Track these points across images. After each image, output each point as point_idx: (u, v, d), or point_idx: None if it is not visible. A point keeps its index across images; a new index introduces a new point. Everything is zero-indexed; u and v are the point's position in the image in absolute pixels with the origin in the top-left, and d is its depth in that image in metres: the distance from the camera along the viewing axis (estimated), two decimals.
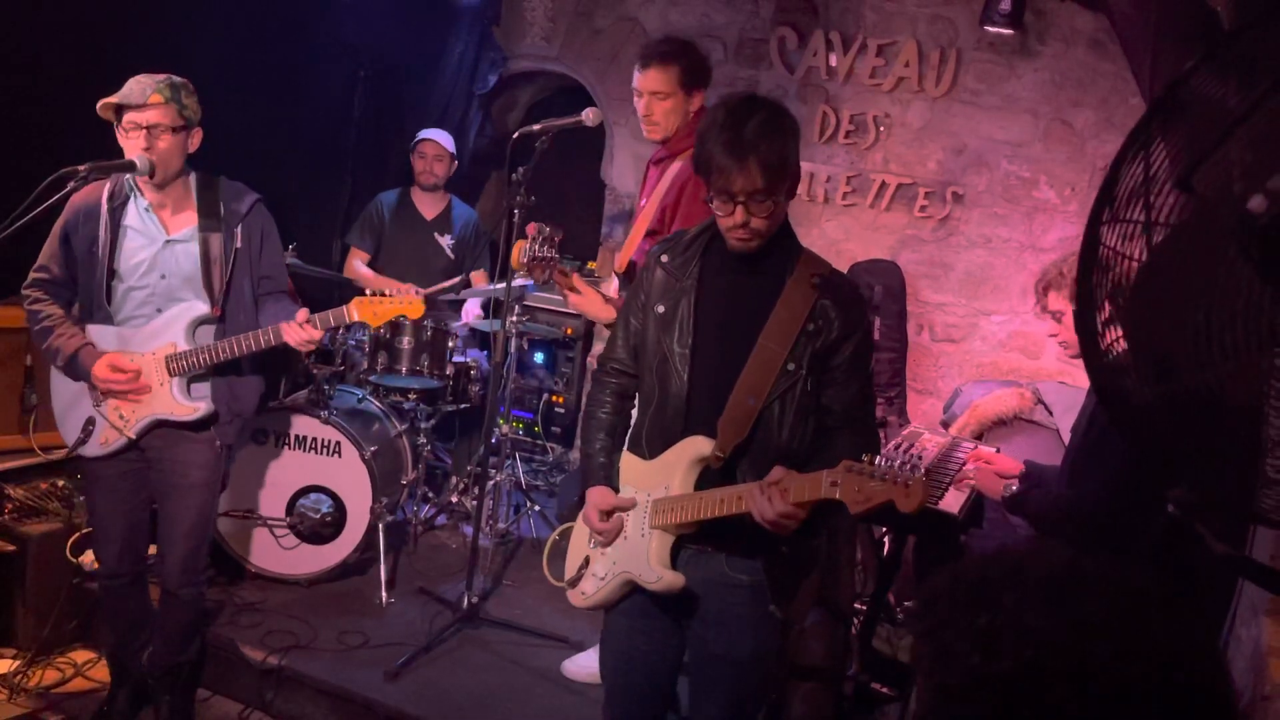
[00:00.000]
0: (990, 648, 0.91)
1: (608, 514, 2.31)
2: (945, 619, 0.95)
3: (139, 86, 2.79)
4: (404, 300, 3.03)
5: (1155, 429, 1.18)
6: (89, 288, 2.95)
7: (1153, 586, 0.95)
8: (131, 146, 2.81)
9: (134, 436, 2.97)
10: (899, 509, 1.86)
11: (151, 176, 2.84)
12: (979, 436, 4.00)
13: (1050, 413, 4.06)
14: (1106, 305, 1.20)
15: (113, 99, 2.79)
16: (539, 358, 5.67)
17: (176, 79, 2.85)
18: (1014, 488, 3.01)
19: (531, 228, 3.01)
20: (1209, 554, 1.43)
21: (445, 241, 5.00)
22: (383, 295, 3.02)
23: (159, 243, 2.94)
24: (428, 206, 5.02)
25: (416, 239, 4.98)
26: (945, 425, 4.21)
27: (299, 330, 2.89)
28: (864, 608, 3.72)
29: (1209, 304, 1.05)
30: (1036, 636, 0.90)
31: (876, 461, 1.91)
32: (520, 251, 3.00)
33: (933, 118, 4.74)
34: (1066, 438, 3.78)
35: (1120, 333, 1.20)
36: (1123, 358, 1.20)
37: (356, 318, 2.98)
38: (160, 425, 2.99)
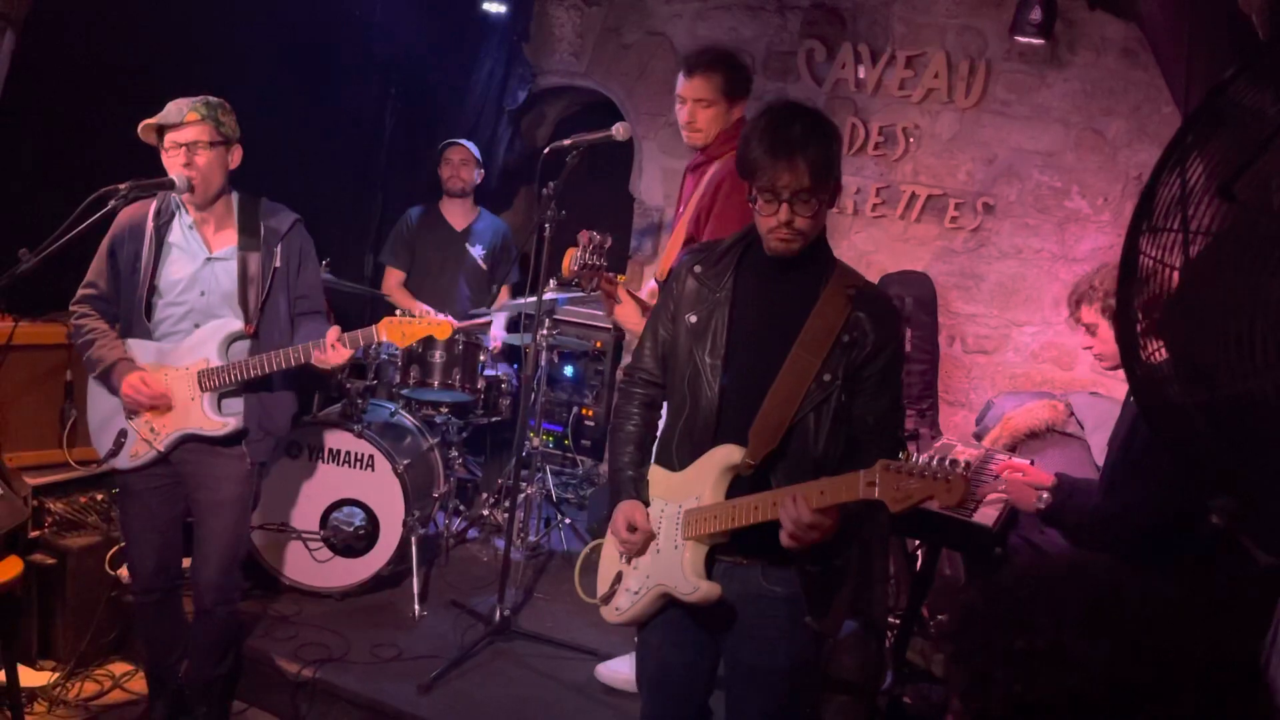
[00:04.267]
0: (1031, 674, 0.89)
1: (634, 528, 2.31)
2: (981, 642, 0.94)
3: (176, 107, 2.88)
4: (432, 321, 3.06)
5: (1198, 438, 1.16)
6: (130, 303, 3.01)
7: (1192, 605, 0.93)
8: (173, 165, 2.88)
9: (163, 450, 3.01)
10: (940, 505, 1.85)
11: (191, 193, 2.89)
12: (1012, 449, 3.96)
13: (1082, 426, 4.02)
14: (1146, 316, 1.19)
15: (153, 120, 2.87)
16: (569, 371, 5.68)
17: (213, 99, 2.93)
18: (1047, 499, 2.99)
19: (584, 235, 3.06)
20: (1252, 564, 1.40)
21: (476, 252, 5.04)
22: (411, 316, 3.05)
23: (200, 260, 3.00)
24: (457, 218, 5.06)
25: (448, 251, 5.01)
26: (978, 438, 4.18)
27: (328, 352, 2.93)
28: (898, 621, 3.69)
29: (1252, 312, 1.03)
30: (1078, 663, 0.88)
31: (915, 459, 1.89)
32: (571, 259, 3.05)
33: (962, 129, 4.72)
34: (1097, 452, 3.74)
35: (1161, 343, 1.18)
36: (1164, 368, 1.19)
37: (385, 338, 3.02)
38: (190, 440, 3.02)
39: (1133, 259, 1.15)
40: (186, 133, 2.86)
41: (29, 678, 3.42)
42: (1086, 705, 0.87)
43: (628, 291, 3.25)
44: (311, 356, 2.94)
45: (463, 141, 4.98)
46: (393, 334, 3.03)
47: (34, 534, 3.54)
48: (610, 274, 3.15)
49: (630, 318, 3.18)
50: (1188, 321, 1.13)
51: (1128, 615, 0.90)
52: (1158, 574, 0.96)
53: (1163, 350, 1.17)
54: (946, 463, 1.85)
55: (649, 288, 3.52)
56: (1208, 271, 1.11)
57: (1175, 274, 1.14)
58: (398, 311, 3.08)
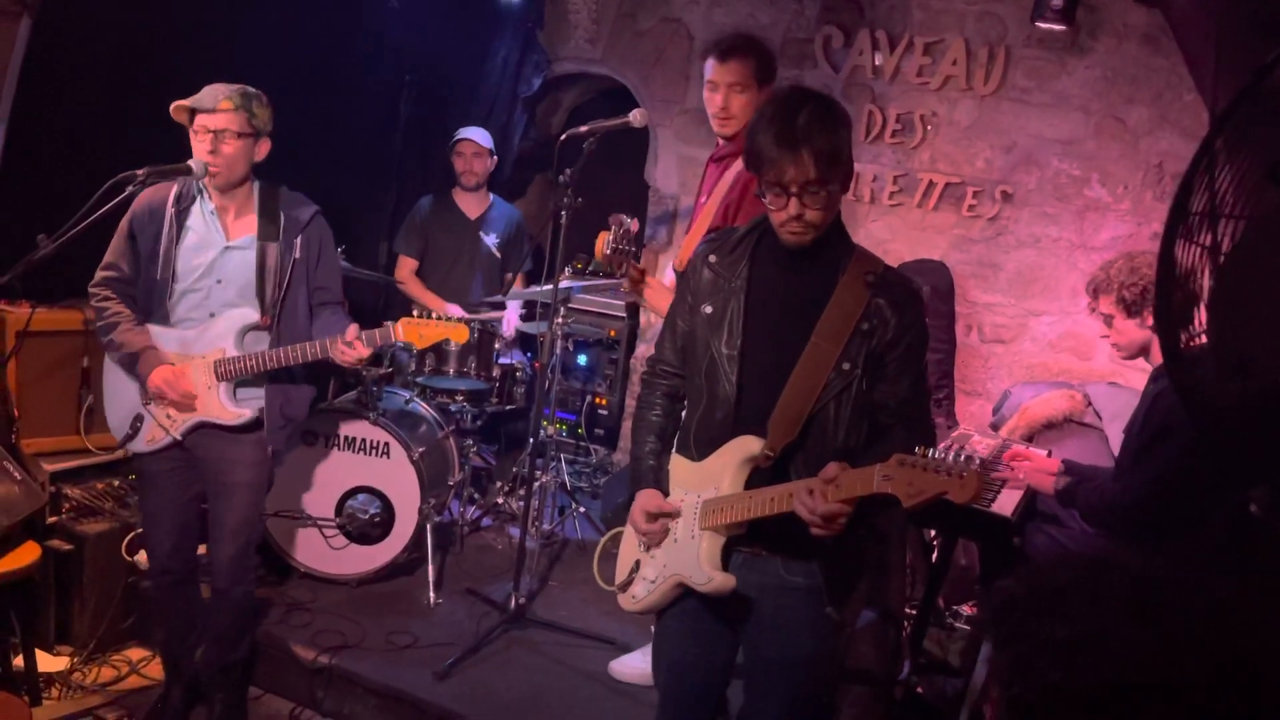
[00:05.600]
0: (1072, 663, 0.88)
1: (654, 517, 2.30)
2: (1021, 629, 0.92)
3: (211, 93, 2.88)
4: (450, 325, 3.03)
5: (1236, 428, 1.14)
6: (148, 286, 3.01)
7: (1233, 594, 0.92)
8: (199, 148, 2.88)
9: (179, 436, 3.02)
10: (953, 500, 1.82)
11: (212, 179, 2.89)
12: (1029, 439, 3.94)
13: (1099, 416, 3.99)
14: (1184, 305, 1.17)
15: (186, 102, 2.87)
16: (582, 360, 5.68)
17: (250, 89, 2.93)
18: (1065, 480, 3.02)
19: (615, 219, 3.03)
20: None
21: (490, 240, 5.03)
22: (429, 316, 3.04)
23: (218, 247, 3.00)
24: (471, 206, 5.04)
25: (461, 239, 5.01)
26: (994, 427, 4.15)
27: (346, 349, 2.91)
28: (914, 611, 3.68)
29: None
30: (1122, 652, 0.87)
31: (929, 453, 1.87)
32: (604, 242, 3.02)
33: (981, 116, 4.68)
34: (1114, 443, 3.72)
35: (1199, 332, 1.16)
36: (1201, 357, 1.17)
37: (402, 338, 2.99)
38: (205, 427, 3.03)
39: (1171, 250, 1.13)
40: (218, 119, 2.86)
41: (46, 663, 3.44)
42: (1125, 696, 0.85)
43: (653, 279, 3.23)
44: (328, 353, 2.93)
45: (473, 135, 4.94)
46: (410, 334, 2.99)
47: (51, 520, 3.55)
48: (635, 262, 3.14)
49: (662, 301, 3.17)
50: (1227, 310, 1.11)
51: (1169, 606, 0.89)
52: (1194, 564, 0.94)
53: (1201, 339, 1.15)
54: (963, 458, 1.82)
55: (669, 280, 3.51)
56: (1249, 258, 1.09)
57: (1215, 264, 1.12)
58: (415, 311, 3.05)
